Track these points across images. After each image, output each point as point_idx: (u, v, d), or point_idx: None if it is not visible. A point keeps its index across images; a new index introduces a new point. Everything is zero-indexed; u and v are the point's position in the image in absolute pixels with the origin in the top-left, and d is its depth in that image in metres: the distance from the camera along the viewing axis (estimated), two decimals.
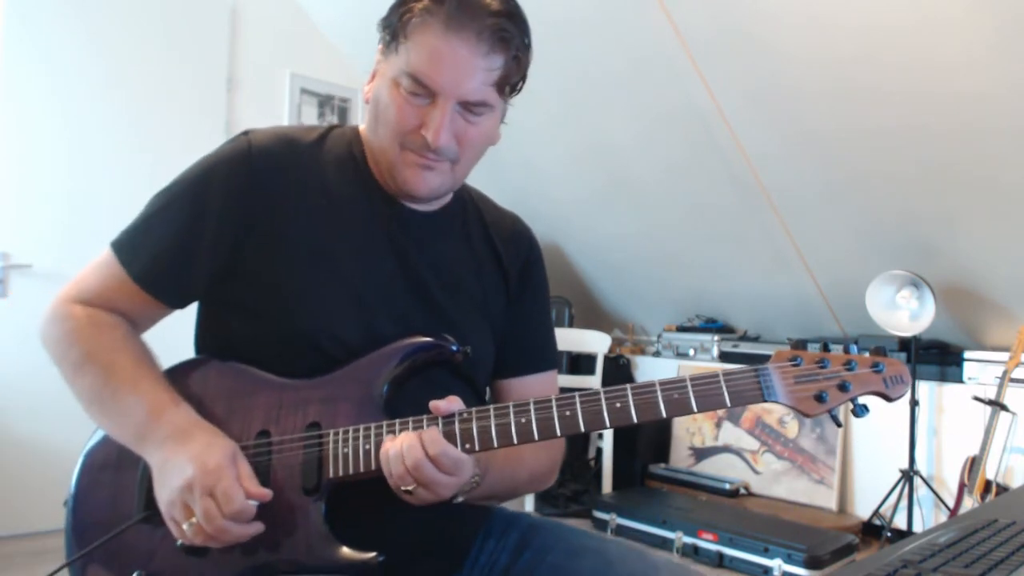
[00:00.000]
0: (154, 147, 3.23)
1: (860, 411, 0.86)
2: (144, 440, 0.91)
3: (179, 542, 0.89)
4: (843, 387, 0.85)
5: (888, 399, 0.87)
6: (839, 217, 3.23)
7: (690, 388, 0.85)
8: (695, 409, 0.85)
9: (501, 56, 0.92)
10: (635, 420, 0.85)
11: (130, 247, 0.99)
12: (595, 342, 3.86)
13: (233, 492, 0.85)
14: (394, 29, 0.92)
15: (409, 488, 0.85)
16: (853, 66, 2.64)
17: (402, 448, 0.85)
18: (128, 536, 0.92)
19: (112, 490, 0.95)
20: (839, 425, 0.90)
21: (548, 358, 1.16)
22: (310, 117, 3.82)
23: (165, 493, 0.87)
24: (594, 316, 4.78)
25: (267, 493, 0.87)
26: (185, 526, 0.85)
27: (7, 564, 2.64)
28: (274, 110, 3.73)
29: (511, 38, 0.92)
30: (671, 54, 2.97)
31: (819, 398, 0.85)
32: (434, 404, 0.89)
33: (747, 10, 2.69)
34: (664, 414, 0.85)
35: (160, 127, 3.28)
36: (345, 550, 0.88)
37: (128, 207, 1.04)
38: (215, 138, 3.41)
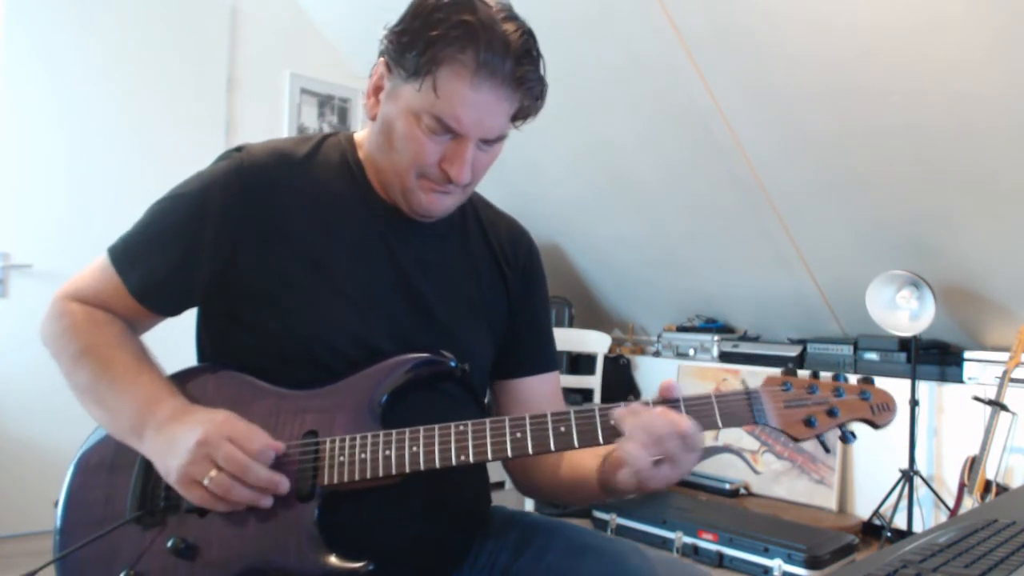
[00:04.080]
0: (154, 147, 3.23)
1: (848, 437, 0.89)
2: (142, 427, 0.91)
3: (170, 543, 0.89)
4: (831, 413, 0.88)
5: (875, 426, 0.89)
6: (839, 217, 3.23)
7: (683, 410, 0.87)
8: None
9: (521, 96, 0.95)
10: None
11: (127, 258, 1.00)
12: (595, 342, 3.85)
13: (252, 432, 0.87)
14: (417, 64, 0.90)
15: (655, 463, 0.84)
16: (853, 66, 2.64)
17: (653, 425, 0.84)
18: (118, 536, 0.92)
19: (105, 491, 0.95)
20: (827, 451, 0.93)
21: (552, 359, 1.18)
22: (310, 117, 3.82)
23: (177, 460, 0.87)
24: (594, 316, 4.78)
25: (281, 446, 0.89)
26: (206, 480, 0.85)
27: (7, 564, 2.64)
28: (274, 110, 3.72)
29: (534, 83, 0.94)
30: (671, 54, 2.97)
31: (808, 423, 0.88)
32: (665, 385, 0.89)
33: (747, 9, 2.69)
34: None
35: (160, 127, 3.28)
36: (336, 558, 0.87)
37: (128, 207, 1.04)
38: (215, 138, 3.42)
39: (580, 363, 4.24)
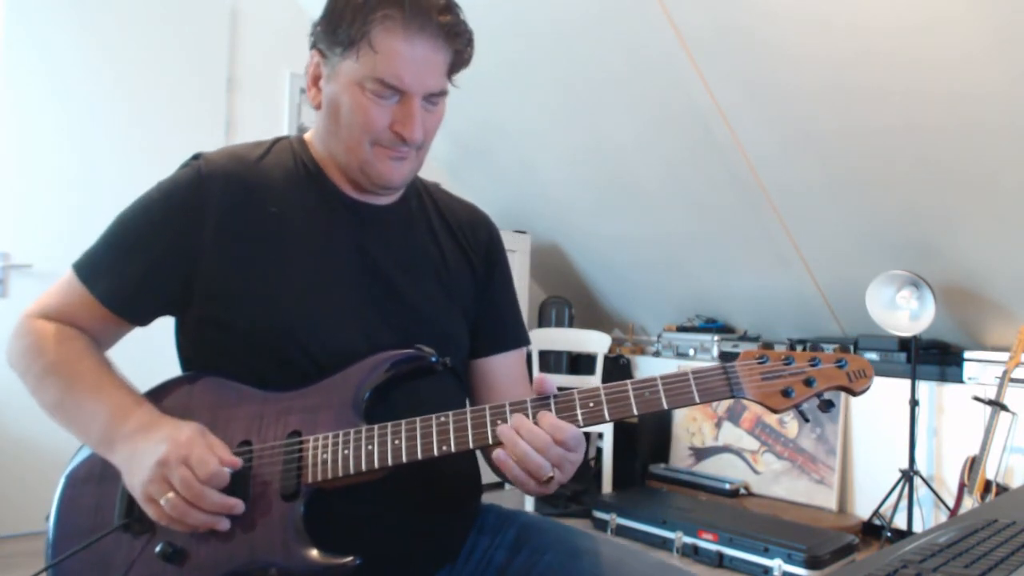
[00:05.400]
0: (154, 147, 3.23)
1: (827, 407, 0.88)
2: (110, 441, 0.92)
3: (158, 548, 0.89)
4: (808, 382, 0.88)
5: (853, 393, 0.89)
6: (839, 217, 3.23)
7: (661, 387, 0.88)
8: (665, 406, 0.88)
9: (453, 48, 0.99)
10: (607, 418, 0.89)
11: (92, 269, 1.01)
12: (595, 342, 3.86)
13: (207, 457, 0.87)
14: (350, 34, 0.95)
15: (550, 475, 0.86)
16: (853, 66, 2.64)
17: (528, 438, 0.85)
18: (107, 545, 0.92)
19: (94, 501, 0.96)
20: (806, 420, 0.93)
21: (520, 336, 1.20)
22: (310, 117, 3.81)
23: (139, 476, 0.88)
24: (594, 316, 4.78)
25: (237, 461, 0.89)
26: (163, 501, 0.86)
27: (7, 564, 2.64)
28: (274, 110, 3.73)
29: (461, 31, 0.99)
30: (671, 53, 2.97)
31: (785, 393, 0.88)
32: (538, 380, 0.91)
33: (747, 9, 2.69)
34: (636, 411, 0.88)
35: (160, 127, 3.28)
36: (323, 554, 0.88)
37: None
38: (215, 138, 3.42)
39: (580, 363, 4.24)
